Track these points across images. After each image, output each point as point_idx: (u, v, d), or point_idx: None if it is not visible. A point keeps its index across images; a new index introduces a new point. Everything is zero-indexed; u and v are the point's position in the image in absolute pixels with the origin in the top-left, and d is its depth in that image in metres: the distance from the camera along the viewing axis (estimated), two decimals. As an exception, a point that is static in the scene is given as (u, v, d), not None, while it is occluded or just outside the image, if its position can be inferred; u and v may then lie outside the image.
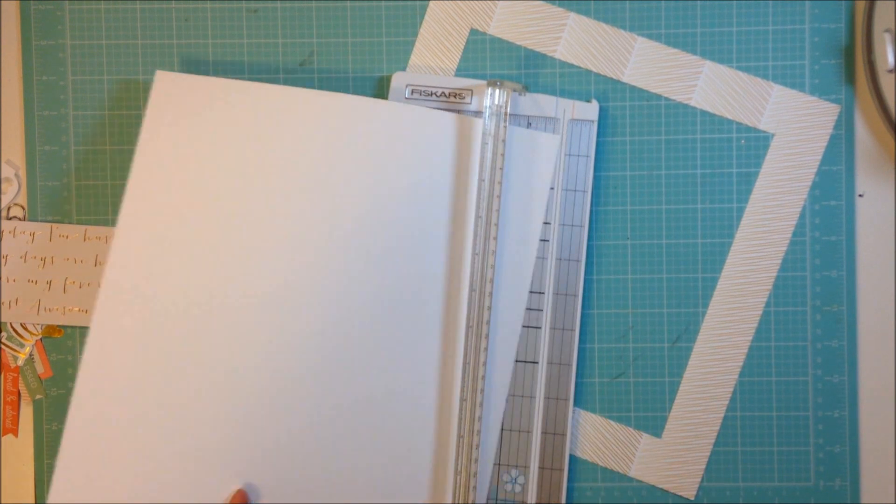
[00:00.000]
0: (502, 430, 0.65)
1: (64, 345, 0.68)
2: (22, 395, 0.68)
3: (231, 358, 0.62)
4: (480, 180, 0.63)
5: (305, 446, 0.63)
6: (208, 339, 0.62)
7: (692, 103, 0.66)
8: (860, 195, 0.66)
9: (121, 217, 0.62)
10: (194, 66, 0.67)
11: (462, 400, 0.63)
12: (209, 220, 0.63)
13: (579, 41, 0.67)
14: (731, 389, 0.66)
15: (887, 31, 0.62)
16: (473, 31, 0.67)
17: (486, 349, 0.63)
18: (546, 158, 0.65)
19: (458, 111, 0.66)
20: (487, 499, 0.65)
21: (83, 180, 0.68)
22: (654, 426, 0.67)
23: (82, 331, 0.68)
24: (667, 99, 0.66)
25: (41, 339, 0.68)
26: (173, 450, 0.61)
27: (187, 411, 0.62)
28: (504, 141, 0.64)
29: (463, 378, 0.63)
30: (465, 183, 0.64)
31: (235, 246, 0.63)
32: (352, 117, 0.63)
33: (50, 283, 0.67)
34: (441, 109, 0.65)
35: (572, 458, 0.67)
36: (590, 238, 0.67)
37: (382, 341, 0.63)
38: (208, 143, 0.63)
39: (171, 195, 0.62)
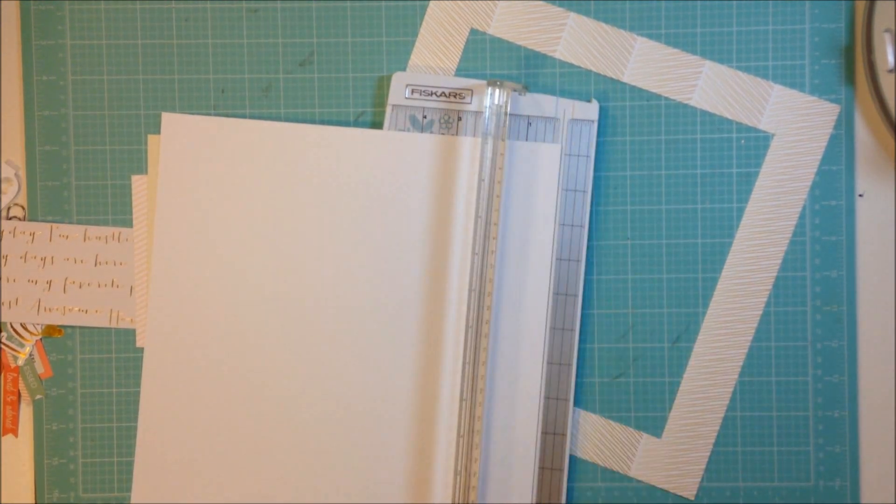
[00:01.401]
0: (544, 432, 0.65)
1: (64, 345, 0.68)
2: (22, 395, 0.68)
3: (256, 374, 0.65)
4: (480, 180, 0.63)
5: (305, 446, 0.65)
6: (238, 352, 0.65)
7: (692, 103, 0.66)
8: (860, 195, 0.66)
9: (156, 236, 0.65)
10: (194, 65, 0.67)
11: (462, 399, 0.63)
12: (231, 248, 0.65)
13: (579, 41, 0.67)
14: (731, 389, 0.66)
15: (887, 31, 0.62)
16: (473, 31, 0.67)
17: (486, 349, 0.63)
18: (549, 167, 0.65)
19: (458, 112, 0.66)
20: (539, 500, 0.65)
21: (83, 180, 0.68)
22: (654, 426, 0.67)
23: (82, 331, 0.68)
24: (667, 99, 0.66)
25: (41, 339, 0.68)
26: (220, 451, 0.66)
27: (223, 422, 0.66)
28: (504, 140, 0.64)
29: (462, 378, 0.63)
30: (451, 196, 0.65)
31: (253, 267, 0.65)
32: (345, 147, 0.65)
33: (50, 283, 0.67)
34: (440, 109, 0.66)
35: (572, 458, 0.67)
36: (590, 238, 0.67)
37: (370, 351, 0.65)
38: (217, 180, 0.65)
39: (193, 227, 0.65)
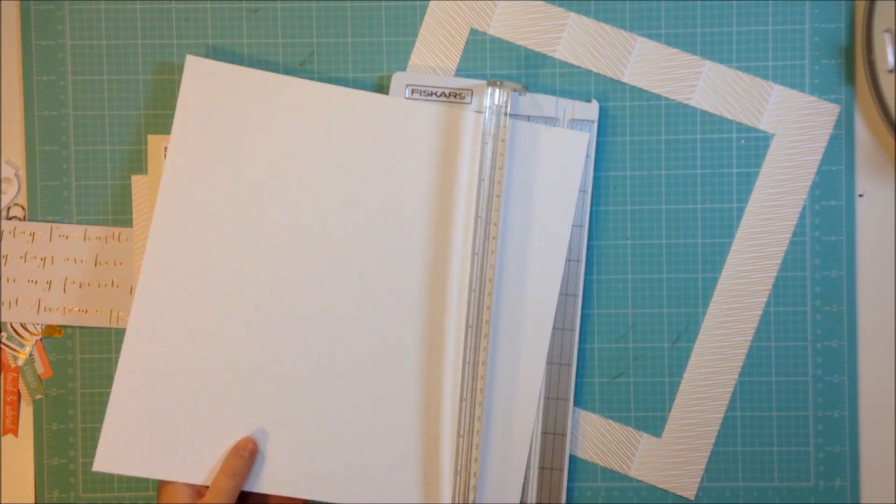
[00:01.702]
0: (544, 432, 0.65)
1: (64, 345, 0.68)
2: (22, 395, 0.68)
3: (254, 321, 0.64)
4: (480, 180, 0.63)
5: (310, 405, 0.64)
6: (234, 299, 0.64)
7: (692, 103, 0.66)
8: (860, 195, 0.66)
9: (159, 196, 0.64)
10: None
11: (462, 399, 0.63)
12: (238, 202, 0.64)
13: (579, 41, 0.67)
14: (731, 389, 0.66)
15: (887, 31, 0.62)
16: (473, 31, 0.67)
17: (485, 349, 0.63)
18: (574, 157, 0.65)
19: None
20: (534, 499, 0.65)
21: (83, 180, 0.68)
22: (654, 426, 0.67)
23: (82, 331, 0.68)
24: (667, 99, 0.66)
25: (41, 339, 0.68)
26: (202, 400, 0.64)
27: (215, 366, 0.64)
28: (504, 140, 0.64)
29: (462, 378, 0.63)
30: (455, 173, 0.65)
31: (259, 226, 0.64)
32: (362, 112, 0.64)
33: (50, 283, 0.67)
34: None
35: (572, 458, 0.67)
36: (590, 238, 0.67)
37: (369, 333, 0.65)
38: (234, 129, 0.64)
39: (203, 178, 0.64)
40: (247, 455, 0.62)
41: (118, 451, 0.63)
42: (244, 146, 0.64)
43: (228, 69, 0.64)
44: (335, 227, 0.64)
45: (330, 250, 0.65)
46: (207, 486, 0.62)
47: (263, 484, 0.63)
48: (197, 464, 0.63)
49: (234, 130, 0.64)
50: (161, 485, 0.63)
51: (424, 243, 0.65)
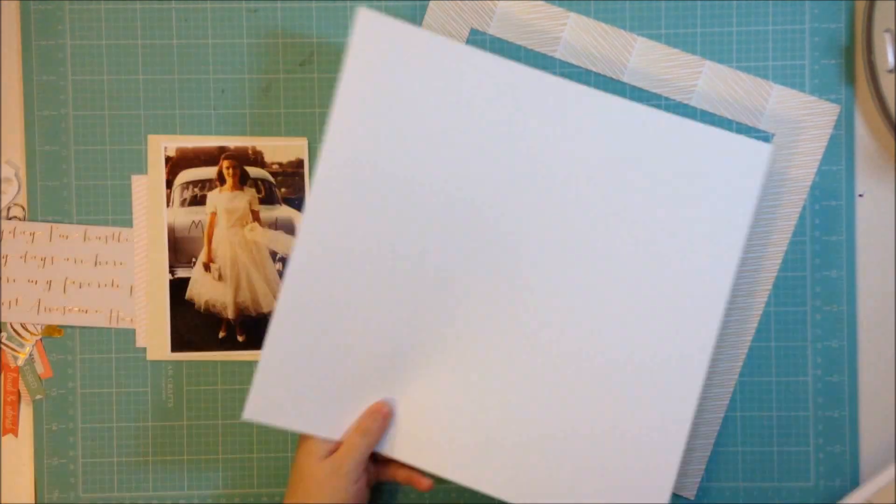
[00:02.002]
0: None
1: (64, 345, 0.68)
2: (22, 395, 0.68)
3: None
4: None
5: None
6: (390, 264, 0.62)
7: (692, 103, 0.66)
8: (860, 195, 0.66)
9: (323, 151, 0.61)
10: (194, 65, 0.67)
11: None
12: (400, 160, 0.61)
13: (579, 41, 0.67)
14: (731, 389, 0.66)
15: (887, 31, 0.62)
16: (473, 31, 0.67)
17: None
18: (752, 170, 0.61)
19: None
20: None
21: (83, 180, 0.68)
22: (654, 426, 0.67)
23: (82, 331, 0.68)
24: (667, 99, 0.66)
25: (41, 339, 0.68)
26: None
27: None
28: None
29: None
30: (626, 167, 0.61)
31: (422, 190, 0.62)
32: (542, 95, 0.61)
33: (50, 283, 0.67)
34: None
35: (572, 458, 0.66)
36: (590, 238, 0.67)
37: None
38: (406, 91, 0.61)
39: (368, 137, 0.61)
40: (381, 417, 0.62)
41: (267, 403, 0.62)
42: (414, 111, 0.61)
43: (404, 28, 0.61)
44: (503, 202, 0.62)
45: (494, 226, 0.62)
46: (341, 444, 0.62)
47: (397, 450, 0.63)
48: (337, 421, 0.62)
49: (405, 92, 0.61)
50: (301, 439, 0.63)
51: (591, 234, 0.61)
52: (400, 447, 0.63)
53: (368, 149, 0.61)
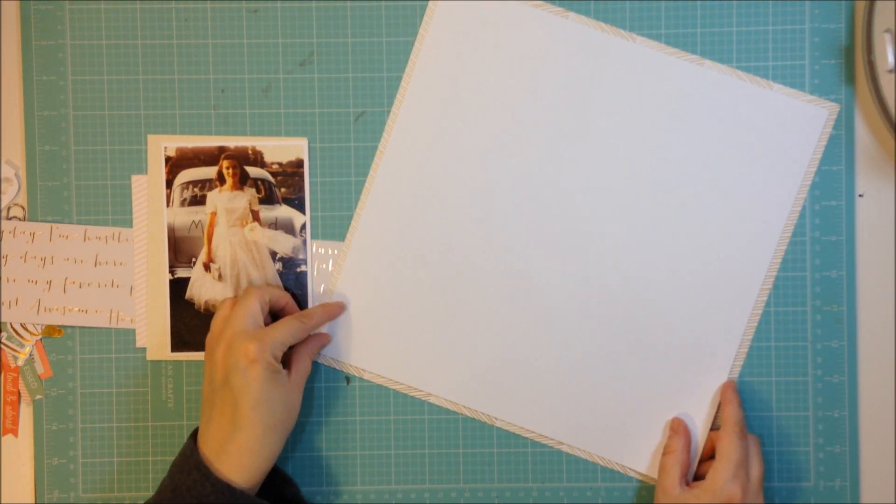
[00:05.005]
0: None
1: (64, 345, 0.68)
2: (22, 395, 0.68)
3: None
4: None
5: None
6: (450, 229, 0.67)
7: (692, 103, 0.66)
8: (860, 195, 0.66)
9: (397, 121, 0.66)
10: (194, 65, 0.67)
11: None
12: (472, 126, 0.66)
13: (579, 41, 0.67)
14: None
15: (887, 31, 0.62)
16: (473, 31, 0.67)
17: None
18: (809, 135, 0.66)
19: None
20: None
21: (83, 180, 0.68)
22: (654, 426, 0.67)
23: (82, 331, 0.68)
24: (667, 99, 0.66)
25: (41, 339, 0.68)
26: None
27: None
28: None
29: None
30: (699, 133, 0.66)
31: (488, 154, 0.66)
32: (619, 61, 0.66)
33: (50, 283, 0.67)
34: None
35: (572, 459, 0.67)
36: (590, 238, 0.67)
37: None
38: (478, 59, 0.66)
39: (442, 105, 0.66)
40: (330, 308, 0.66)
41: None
42: (487, 77, 0.66)
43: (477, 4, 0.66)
44: (573, 168, 0.66)
45: (559, 191, 0.66)
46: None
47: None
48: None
49: (481, 59, 0.66)
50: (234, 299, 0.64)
51: (661, 200, 0.66)
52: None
53: (440, 115, 0.66)
